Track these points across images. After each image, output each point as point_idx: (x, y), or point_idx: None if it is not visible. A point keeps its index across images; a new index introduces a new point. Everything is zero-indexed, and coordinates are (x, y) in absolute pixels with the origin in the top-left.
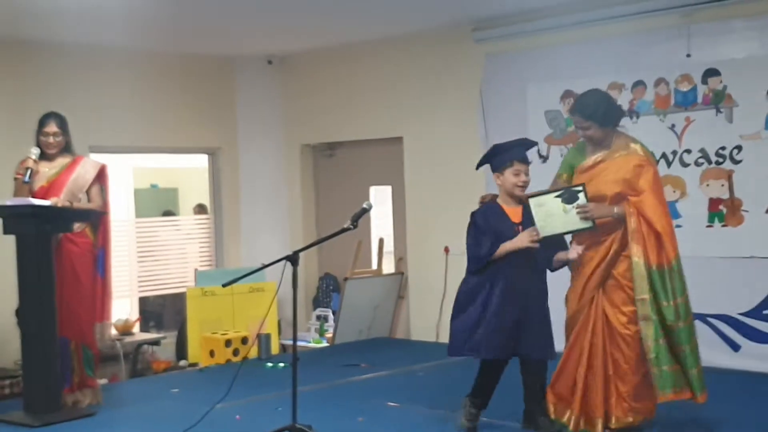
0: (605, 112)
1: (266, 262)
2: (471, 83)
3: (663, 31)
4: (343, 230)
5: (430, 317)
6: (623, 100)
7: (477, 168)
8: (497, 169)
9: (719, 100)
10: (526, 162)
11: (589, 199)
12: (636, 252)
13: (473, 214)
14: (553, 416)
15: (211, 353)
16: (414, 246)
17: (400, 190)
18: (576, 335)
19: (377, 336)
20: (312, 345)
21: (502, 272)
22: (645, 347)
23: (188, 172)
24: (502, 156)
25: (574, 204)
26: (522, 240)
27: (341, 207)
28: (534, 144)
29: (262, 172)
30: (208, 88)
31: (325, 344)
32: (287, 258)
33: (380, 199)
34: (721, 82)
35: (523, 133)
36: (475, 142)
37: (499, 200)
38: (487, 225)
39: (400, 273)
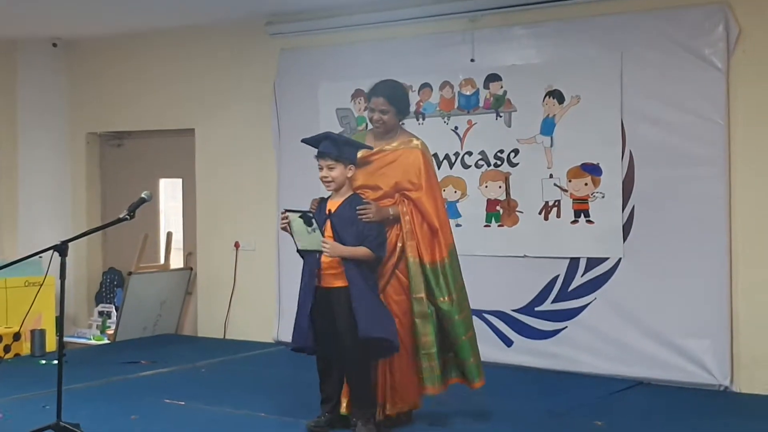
0: (405, 103)
1: (42, 255)
2: (265, 77)
3: (449, 35)
4: (119, 220)
5: (218, 313)
6: (411, 101)
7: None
8: None
9: (499, 105)
10: (324, 157)
11: (363, 186)
12: (411, 251)
13: None
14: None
15: None
16: (204, 241)
17: (191, 184)
18: None
19: (163, 333)
20: (92, 342)
21: (307, 264)
22: (421, 343)
23: None
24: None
25: (311, 228)
26: None
27: (129, 200)
28: (337, 138)
29: (44, 161)
30: None
31: (106, 341)
32: (55, 248)
33: (170, 192)
34: (501, 87)
35: (315, 130)
36: (268, 137)
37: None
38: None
39: (188, 268)
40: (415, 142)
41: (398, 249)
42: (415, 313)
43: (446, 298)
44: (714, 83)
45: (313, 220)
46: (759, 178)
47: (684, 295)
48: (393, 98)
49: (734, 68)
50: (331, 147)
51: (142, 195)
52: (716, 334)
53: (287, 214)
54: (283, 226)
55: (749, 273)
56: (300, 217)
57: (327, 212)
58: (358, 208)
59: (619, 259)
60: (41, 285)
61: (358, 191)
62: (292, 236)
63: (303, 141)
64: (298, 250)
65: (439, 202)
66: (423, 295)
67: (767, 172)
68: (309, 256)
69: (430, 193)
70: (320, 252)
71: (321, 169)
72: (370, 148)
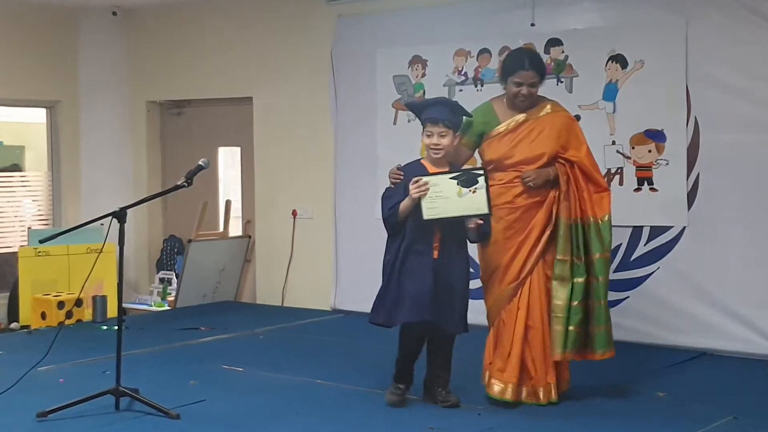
0: (545, 70)
1: (104, 222)
2: (322, 45)
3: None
4: (177, 187)
5: (276, 281)
6: (469, 67)
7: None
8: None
9: (560, 70)
10: (437, 123)
11: (522, 161)
12: (564, 211)
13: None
14: (496, 392)
15: (43, 315)
16: (262, 209)
17: (249, 152)
18: (514, 307)
19: (222, 300)
20: (153, 308)
21: (415, 237)
22: (554, 306)
23: (36, 128)
24: (418, 116)
25: (472, 188)
26: (410, 193)
27: (189, 168)
28: (452, 104)
29: (105, 129)
30: (48, 39)
31: (166, 308)
32: (113, 214)
33: (229, 160)
34: (562, 52)
35: (372, 98)
36: (325, 105)
37: (424, 160)
38: (402, 185)
39: (247, 236)
40: (553, 104)
41: (555, 217)
42: (554, 276)
43: (604, 255)
44: None
45: (480, 179)
46: None
47: (750, 265)
48: (542, 71)
49: None
50: (447, 113)
51: (200, 162)
52: None
53: (427, 179)
54: (420, 194)
55: None
56: (453, 178)
57: None
58: (524, 176)
59: (684, 228)
60: (100, 251)
61: (517, 167)
62: (422, 204)
63: (408, 104)
64: (424, 219)
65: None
66: (567, 257)
67: None
68: (419, 229)
69: (590, 152)
70: (473, 216)
71: (430, 135)
72: (470, 115)
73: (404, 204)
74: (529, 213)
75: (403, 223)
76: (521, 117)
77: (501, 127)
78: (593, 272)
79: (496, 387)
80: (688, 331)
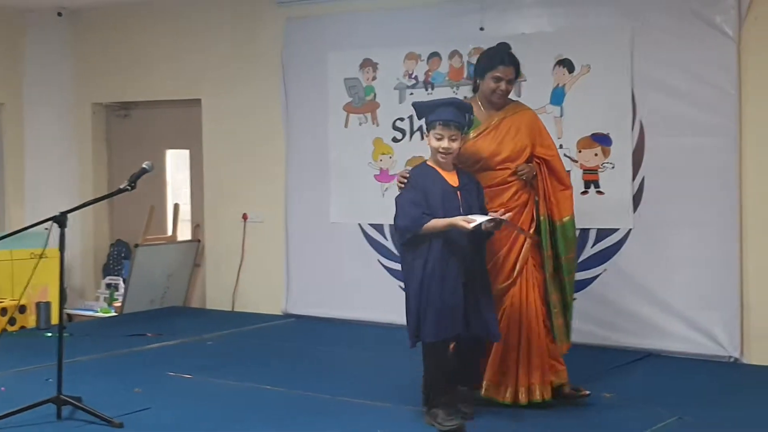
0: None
1: (48, 227)
2: (273, 47)
3: (458, 4)
4: (120, 191)
5: (226, 286)
6: (419, 71)
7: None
8: (427, 130)
9: None
10: (448, 126)
11: (508, 157)
12: (542, 210)
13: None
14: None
15: None
16: (211, 213)
17: (198, 155)
18: (509, 308)
19: (171, 305)
20: (99, 315)
21: (443, 248)
22: (553, 299)
23: None
24: (426, 117)
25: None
26: (459, 221)
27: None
28: (464, 106)
29: (50, 131)
30: None
31: (113, 314)
32: (53, 219)
33: (178, 163)
34: None
35: (324, 100)
36: (275, 107)
37: (430, 162)
38: (419, 190)
39: (196, 240)
40: (516, 103)
41: (534, 214)
42: (547, 271)
43: (569, 256)
44: (725, 52)
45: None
46: None
47: (694, 267)
48: (518, 69)
49: (745, 36)
50: (459, 115)
51: (144, 165)
52: (726, 305)
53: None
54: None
55: (759, 244)
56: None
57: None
58: (520, 170)
59: (629, 230)
60: (40, 257)
61: (505, 164)
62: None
63: (415, 104)
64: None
65: None
66: (552, 252)
67: None
68: (455, 238)
69: (557, 152)
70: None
71: (440, 138)
72: (472, 113)
73: (437, 225)
74: (519, 213)
75: (424, 237)
76: (500, 114)
77: (482, 126)
78: (562, 271)
79: (504, 392)
80: (634, 332)
